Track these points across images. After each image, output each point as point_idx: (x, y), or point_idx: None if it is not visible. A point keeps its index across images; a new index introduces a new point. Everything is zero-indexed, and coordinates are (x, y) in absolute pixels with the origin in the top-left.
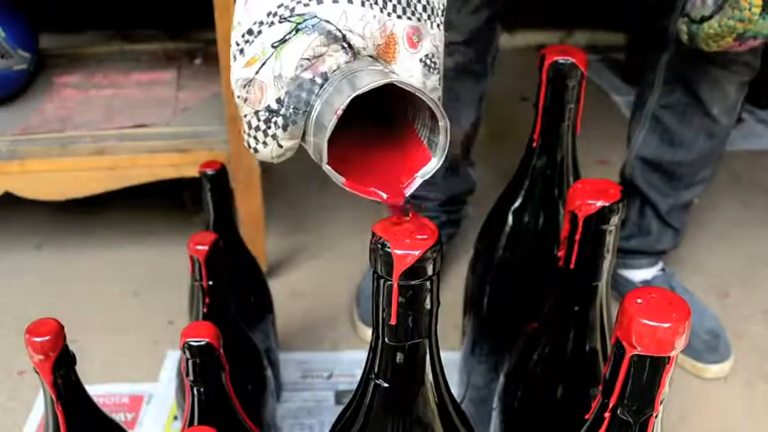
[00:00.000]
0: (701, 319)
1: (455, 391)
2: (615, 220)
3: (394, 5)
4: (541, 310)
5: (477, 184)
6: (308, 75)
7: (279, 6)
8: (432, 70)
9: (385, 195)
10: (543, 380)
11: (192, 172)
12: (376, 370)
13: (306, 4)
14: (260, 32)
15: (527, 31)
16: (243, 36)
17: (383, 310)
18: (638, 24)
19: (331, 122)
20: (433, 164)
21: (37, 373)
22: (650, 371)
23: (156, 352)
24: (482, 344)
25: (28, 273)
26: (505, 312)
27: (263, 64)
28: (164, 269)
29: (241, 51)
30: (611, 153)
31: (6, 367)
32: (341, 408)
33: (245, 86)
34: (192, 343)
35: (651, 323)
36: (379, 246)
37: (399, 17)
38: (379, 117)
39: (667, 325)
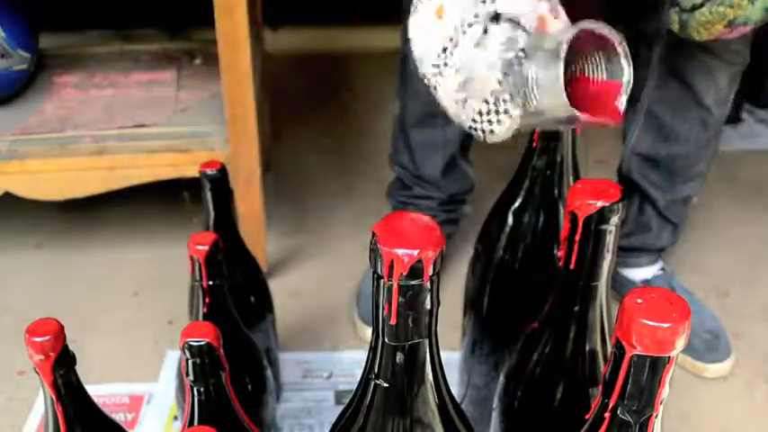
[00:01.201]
0: (701, 318)
1: (455, 391)
2: (615, 220)
3: None
4: (541, 310)
5: (477, 183)
6: (510, 54)
7: (461, 21)
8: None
9: (611, 117)
10: (543, 380)
11: (192, 172)
12: (376, 370)
13: (485, 3)
14: (455, 44)
15: None
16: (438, 55)
17: (383, 310)
18: (628, 21)
19: (559, 68)
20: (627, 76)
21: (37, 373)
22: (650, 371)
23: (156, 352)
24: (482, 344)
25: (28, 273)
26: (505, 312)
27: (474, 61)
28: (164, 269)
29: (445, 65)
30: (611, 153)
31: (6, 367)
32: (341, 408)
33: (461, 89)
34: (192, 343)
35: (651, 323)
36: (379, 246)
37: (540, 1)
38: None
39: (667, 325)
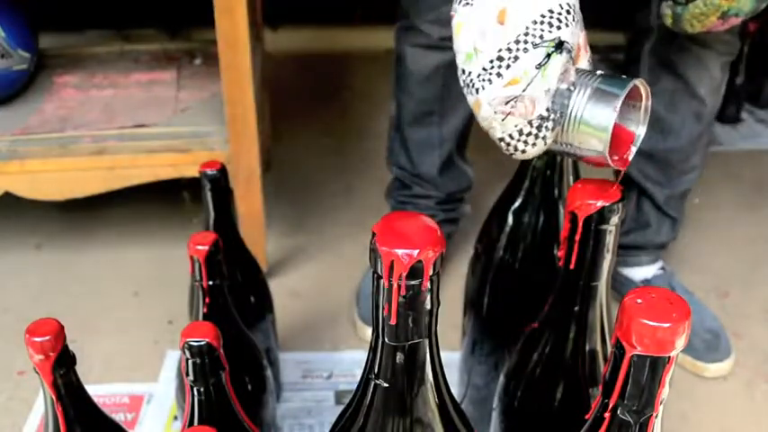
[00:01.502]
0: (701, 318)
1: (455, 391)
2: (615, 219)
3: (578, 21)
4: (541, 310)
5: (477, 182)
6: (564, 86)
7: (525, 35)
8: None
9: (617, 164)
10: (543, 380)
11: (192, 172)
12: (376, 370)
13: (550, 31)
14: (515, 58)
15: None
16: (491, 61)
17: (383, 310)
18: (619, 18)
19: (613, 116)
20: (642, 130)
21: (37, 373)
22: (650, 371)
23: (156, 352)
24: (482, 344)
25: (28, 273)
26: (505, 312)
27: (530, 83)
28: (164, 269)
29: (498, 75)
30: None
31: (6, 367)
32: (341, 408)
33: (507, 103)
34: (192, 343)
35: (651, 323)
36: (379, 246)
37: (581, 30)
38: None
39: (667, 325)
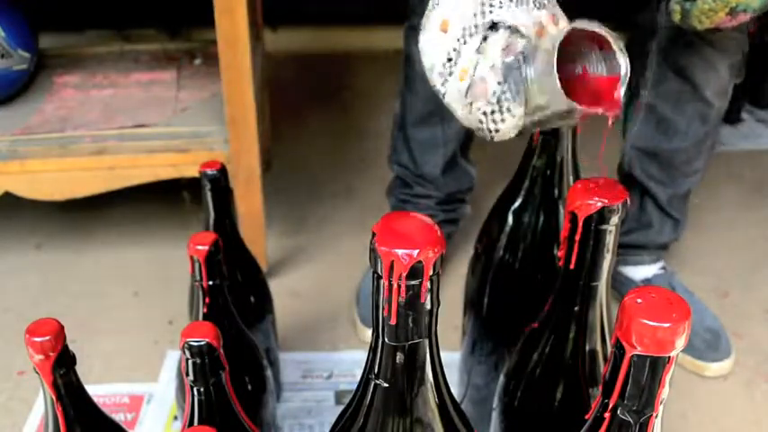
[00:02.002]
0: (702, 317)
1: (455, 391)
2: (615, 220)
3: (534, 3)
4: (541, 310)
5: (477, 183)
6: (509, 58)
7: (462, 31)
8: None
9: (608, 108)
10: (543, 380)
11: (192, 172)
12: (376, 370)
13: (481, 19)
14: (459, 53)
15: None
16: (444, 65)
17: (383, 310)
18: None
19: (553, 64)
20: (624, 69)
21: (37, 373)
22: (650, 371)
23: (156, 352)
24: (482, 344)
25: (28, 273)
26: (505, 312)
27: (476, 67)
28: (164, 269)
29: (450, 74)
30: (611, 153)
31: (6, 367)
32: (341, 408)
33: (466, 94)
34: (192, 343)
35: (651, 323)
36: (379, 246)
37: (539, 9)
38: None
39: (667, 325)
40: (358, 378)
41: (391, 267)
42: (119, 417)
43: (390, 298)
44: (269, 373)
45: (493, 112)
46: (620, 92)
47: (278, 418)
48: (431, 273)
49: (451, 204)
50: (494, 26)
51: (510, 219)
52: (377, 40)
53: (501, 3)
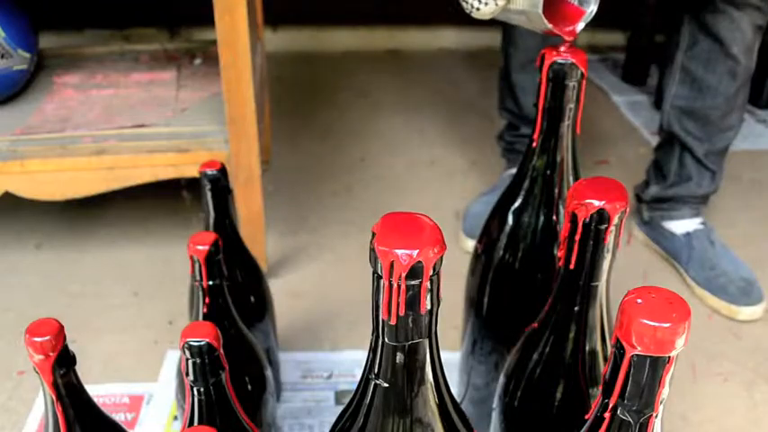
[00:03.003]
0: (737, 267)
1: (455, 391)
2: (615, 220)
3: None
4: (541, 310)
5: (477, 183)
6: None
7: None
8: None
9: (566, 35)
10: (543, 380)
11: (192, 172)
12: (376, 370)
13: None
14: None
15: None
16: None
17: (383, 310)
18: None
19: None
20: (592, 7)
21: (37, 373)
22: (650, 371)
23: (156, 352)
24: (482, 344)
25: (28, 273)
26: (505, 312)
27: None
28: (164, 269)
29: None
30: (611, 153)
31: (6, 367)
32: (341, 408)
33: None
34: (192, 343)
35: (651, 323)
36: (379, 246)
37: None
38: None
39: (667, 325)
40: (358, 378)
41: (391, 267)
42: (119, 417)
43: (390, 298)
44: (269, 373)
45: None
46: (580, 25)
47: (278, 418)
48: (431, 273)
49: None
50: None
51: (510, 219)
52: (377, 40)
53: None
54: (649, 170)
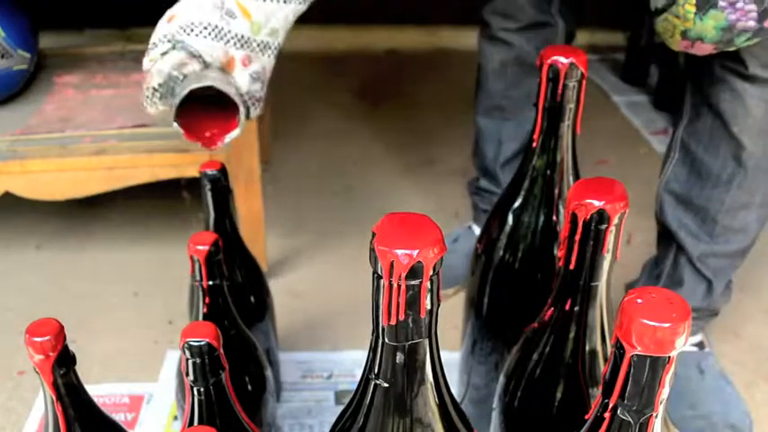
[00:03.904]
0: (726, 409)
1: (455, 391)
2: (615, 220)
3: (234, 42)
4: (541, 310)
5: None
6: (175, 72)
7: (168, 33)
8: (256, 80)
9: (205, 144)
10: (543, 380)
11: (192, 172)
12: (376, 370)
13: (180, 35)
14: (156, 45)
15: None
16: (151, 44)
17: (383, 310)
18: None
19: (178, 98)
20: (236, 132)
21: (37, 373)
22: (650, 371)
23: (156, 352)
24: (482, 344)
25: (28, 273)
26: (505, 312)
27: (154, 63)
28: (164, 269)
29: (148, 53)
30: (611, 153)
31: (6, 367)
32: (341, 408)
33: (146, 72)
34: (192, 343)
35: (651, 323)
36: (379, 246)
37: (237, 49)
38: (226, 103)
39: (667, 325)
40: (358, 378)
41: (391, 267)
42: (119, 417)
43: (390, 298)
44: (269, 373)
45: (147, 98)
46: (225, 140)
47: (278, 418)
48: (431, 273)
49: None
50: (182, 45)
51: (510, 219)
52: (377, 40)
53: (204, 33)
54: (645, 266)
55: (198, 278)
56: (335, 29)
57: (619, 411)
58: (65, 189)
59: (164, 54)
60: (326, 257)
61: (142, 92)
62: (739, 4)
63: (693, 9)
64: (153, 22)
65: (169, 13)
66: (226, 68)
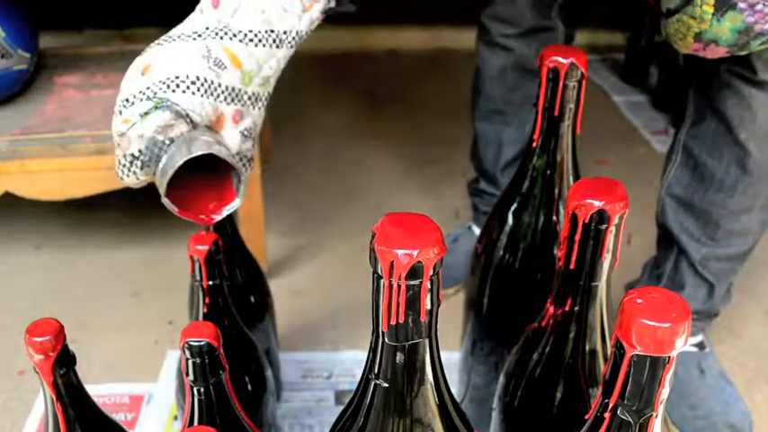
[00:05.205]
0: (726, 409)
1: (455, 391)
2: (615, 220)
3: (225, 96)
4: (541, 310)
5: None
6: (160, 137)
7: (147, 88)
8: (247, 138)
9: (202, 221)
10: (543, 380)
11: None
12: (376, 370)
13: (164, 91)
14: (133, 103)
15: None
16: (122, 101)
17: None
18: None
19: (169, 174)
20: (236, 203)
21: (37, 373)
22: (650, 371)
23: (156, 352)
24: (482, 344)
25: (28, 273)
26: (505, 312)
27: (133, 125)
28: (164, 269)
29: (120, 112)
30: (611, 153)
31: (6, 367)
32: (341, 408)
33: (120, 135)
34: (192, 343)
35: (651, 323)
36: (379, 246)
37: (228, 104)
38: (216, 165)
39: (667, 325)
40: (358, 378)
41: (391, 267)
42: (119, 417)
43: (390, 298)
44: (269, 373)
45: (125, 166)
46: (221, 213)
47: (278, 418)
48: (431, 273)
49: None
50: (167, 104)
51: (510, 219)
52: (377, 40)
53: (192, 89)
54: (646, 266)
55: (198, 278)
56: (335, 29)
57: (619, 411)
58: (65, 189)
59: (144, 114)
60: (326, 257)
61: (119, 152)
62: (759, 6)
63: (711, 10)
64: (152, 23)
65: (141, 62)
66: (214, 126)
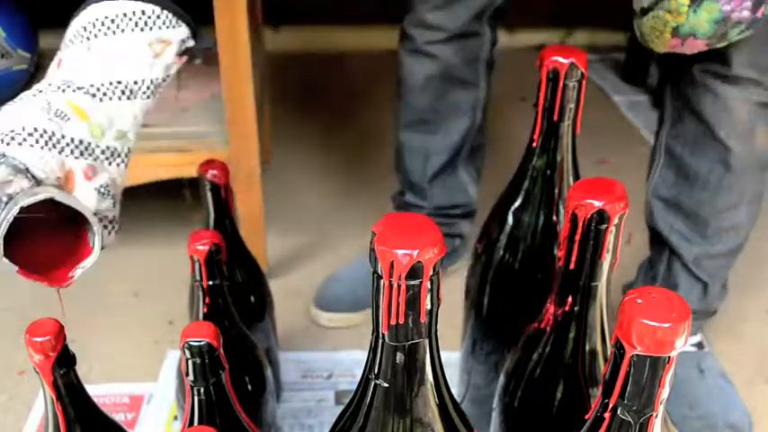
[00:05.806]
0: (726, 409)
1: (455, 391)
2: (615, 220)
3: (71, 149)
4: (541, 310)
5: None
6: None
7: None
8: (105, 196)
9: (52, 283)
10: (543, 380)
11: (192, 172)
12: (376, 370)
13: (5, 143)
14: None
15: (527, 31)
16: None
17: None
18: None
19: (3, 227)
20: (91, 259)
21: (37, 373)
22: (650, 371)
23: (156, 352)
24: (482, 344)
25: None
26: (505, 312)
27: None
28: (164, 269)
29: None
30: (611, 153)
31: (6, 367)
32: (341, 408)
33: None
34: (192, 343)
35: (651, 323)
36: (379, 246)
37: (77, 158)
38: (72, 221)
39: (667, 325)
40: (358, 378)
41: (391, 267)
42: (119, 417)
43: (390, 298)
44: (269, 373)
45: None
46: (77, 272)
47: (278, 418)
48: (431, 273)
49: (443, 218)
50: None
51: (510, 219)
52: (377, 39)
53: (30, 142)
54: (640, 268)
55: (198, 278)
56: (335, 29)
57: (619, 411)
58: None
59: None
60: (326, 257)
61: None
62: None
63: (687, 2)
64: None
65: None
66: (64, 185)
